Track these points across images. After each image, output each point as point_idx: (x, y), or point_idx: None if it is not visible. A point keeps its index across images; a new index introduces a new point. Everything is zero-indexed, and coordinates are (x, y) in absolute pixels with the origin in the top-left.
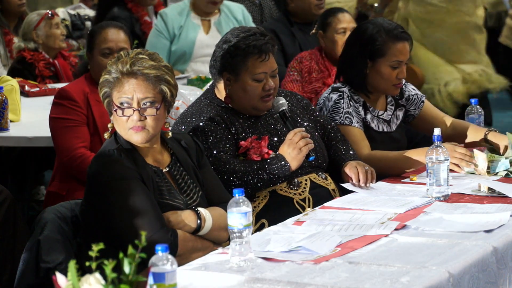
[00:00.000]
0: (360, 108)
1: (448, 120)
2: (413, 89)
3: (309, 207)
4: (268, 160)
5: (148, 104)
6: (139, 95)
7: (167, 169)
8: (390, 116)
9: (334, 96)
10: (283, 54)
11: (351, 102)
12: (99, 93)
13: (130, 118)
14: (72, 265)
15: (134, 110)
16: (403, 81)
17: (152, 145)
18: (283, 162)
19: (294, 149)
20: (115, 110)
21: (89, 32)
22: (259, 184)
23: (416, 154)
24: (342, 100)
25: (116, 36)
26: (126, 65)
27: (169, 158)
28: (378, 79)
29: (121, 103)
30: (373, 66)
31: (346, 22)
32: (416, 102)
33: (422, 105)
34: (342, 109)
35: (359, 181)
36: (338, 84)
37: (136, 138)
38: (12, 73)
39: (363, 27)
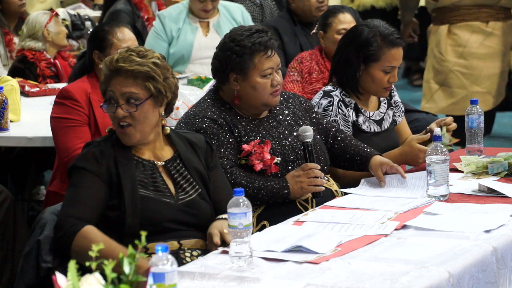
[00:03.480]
0: (351, 112)
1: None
2: (398, 96)
3: (312, 207)
4: (272, 183)
5: (132, 100)
6: (121, 91)
7: (163, 163)
8: (383, 115)
9: (324, 102)
10: (283, 53)
11: (340, 109)
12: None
13: (114, 114)
14: (72, 265)
15: (117, 106)
16: (392, 86)
17: (148, 142)
18: (285, 191)
19: (300, 183)
20: (101, 106)
21: (98, 32)
22: (257, 202)
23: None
24: (331, 107)
25: (131, 35)
26: (113, 63)
27: (171, 154)
28: (369, 82)
29: (107, 99)
30: (365, 69)
31: (347, 23)
32: (400, 109)
33: (403, 114)
34: (329, 117)
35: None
36: (329, 87)
37: (123, 139)
38: (13, 72)
39: (358, 29)
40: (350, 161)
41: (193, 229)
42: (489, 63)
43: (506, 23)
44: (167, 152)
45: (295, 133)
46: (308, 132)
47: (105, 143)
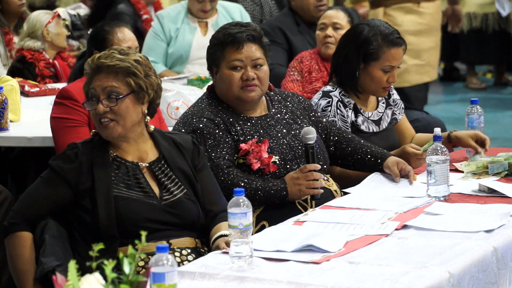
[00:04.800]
0: (350, 112)
1: (413, 134)
2: (397, 94)
3: (311, 207)
4: (270, 184)
5: (113, 95)
6: (102, 86)
7: (147, 165)
8: (381, 114)
9: (323, 103)
10: (290, 51)
11: (338, 110)
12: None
13: (95, 111)
14: (72, 265)
15: (98, 102)
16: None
17: (130, 142)
18: (283, 193)
19: (299, 186)
20: (83, 104)
21: (98, 32)
22: (255, 203)
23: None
24: (329, 108)
25: (131, 35)
26: (94, 60)
27: (155, 156)
28: (368, 81)
29: (90, 98)
30: (365, 68)
31: (327, 18)
32: (400, 107)
33: (403, 111)
34: (327, 118)
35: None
36: (328, 88)
37: (104, 133)
38: (12, 72)
39: (359, 28)
40: (361, 161)
41: (179, 229)
42: (424, 38)
43: (435, 2)
44: (152, 154)
45: (293, 132)
46: (311, 134)
47: (84, 145)
